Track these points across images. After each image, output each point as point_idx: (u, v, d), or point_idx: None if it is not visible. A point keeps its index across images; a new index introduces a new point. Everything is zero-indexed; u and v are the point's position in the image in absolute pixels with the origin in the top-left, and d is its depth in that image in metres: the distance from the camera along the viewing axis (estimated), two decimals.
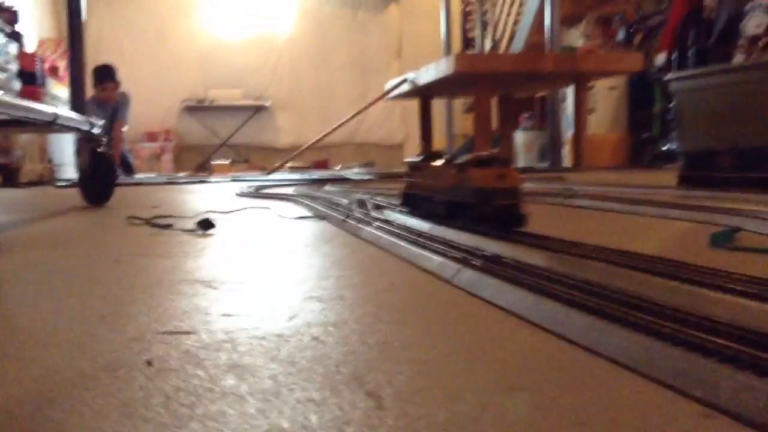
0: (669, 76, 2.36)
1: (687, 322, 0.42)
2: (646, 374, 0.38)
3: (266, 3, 6.98)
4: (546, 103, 4.62)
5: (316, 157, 6.21)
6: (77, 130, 1.85)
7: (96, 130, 1.90)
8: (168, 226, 1.22)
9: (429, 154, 1.11)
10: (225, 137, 6.87)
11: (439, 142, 5.00)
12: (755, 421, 0.31)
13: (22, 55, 4.07)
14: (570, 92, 4.12)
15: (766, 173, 1.75)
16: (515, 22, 4.73)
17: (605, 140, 4.70)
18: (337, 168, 5.95)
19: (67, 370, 0.41)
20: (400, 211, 1.17)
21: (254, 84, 6.93)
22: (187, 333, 0.49)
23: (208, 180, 3.81)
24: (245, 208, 1.60)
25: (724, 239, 0.84)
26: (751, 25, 3.54)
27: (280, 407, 0.34)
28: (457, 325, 0.52)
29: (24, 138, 3.88)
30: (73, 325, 0.53)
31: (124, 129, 4.91)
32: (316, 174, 4.26)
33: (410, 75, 4.06)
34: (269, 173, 4.21)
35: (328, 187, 2.41)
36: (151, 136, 6.65)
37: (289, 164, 4.65)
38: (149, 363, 0.42)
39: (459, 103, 5.97)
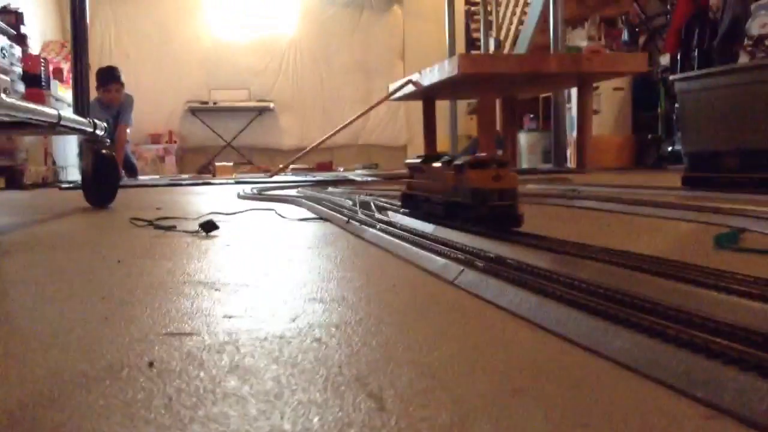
0: (673, 77, 2.35)
1: (691, 323, 0.41)
2: (649, 375, 0.38)
3: (270, 5, 6.99)
4: (550, 104, 4.62)
5: (319, 159, 6.21)
6: (81, 132, 1.85)
7: (99, 132, 1.90)
8: (171, 228, 1.22)
9: (428, 156, 1.11)
10: (228, 139, 6.89)
11: (442, 143, 4.99)
12: (759, 423, 0.31)
13: (26, 58, 4.08)
14: (574, 93, 4.11)
15: None
16: (519, 23, 4.74)
17: (609, 141, 4.70)
18: (341, 169, 5.95)
19: (69, 371, 0.41)
20: (403, 213, 1.17)
21: (258, 86, 6.94)
22: (190, 334, 0.49)
23: (211, 182, 3.81)
24: (248, 210, 1.60)
25: (729, 240, 0.84)
26: (757, 26, 3.53)
27: (282, 409, 0.34)
28: (460, 326, 0.52)
29: (28, 140, 3.89)
30: (76, 326, 0.53)
31: (128, 131, 4.93)
32: (320, 176, 4.26)
33: (414, 76, 4.06)
34: (272, 175, 4.21)
35: (331, 189, 2.41)
36: (155, 138, 6.66)
37: (292, 166, 4.65)
38: (151, 364, 0.42)
39: (463, 104, 5.97)
